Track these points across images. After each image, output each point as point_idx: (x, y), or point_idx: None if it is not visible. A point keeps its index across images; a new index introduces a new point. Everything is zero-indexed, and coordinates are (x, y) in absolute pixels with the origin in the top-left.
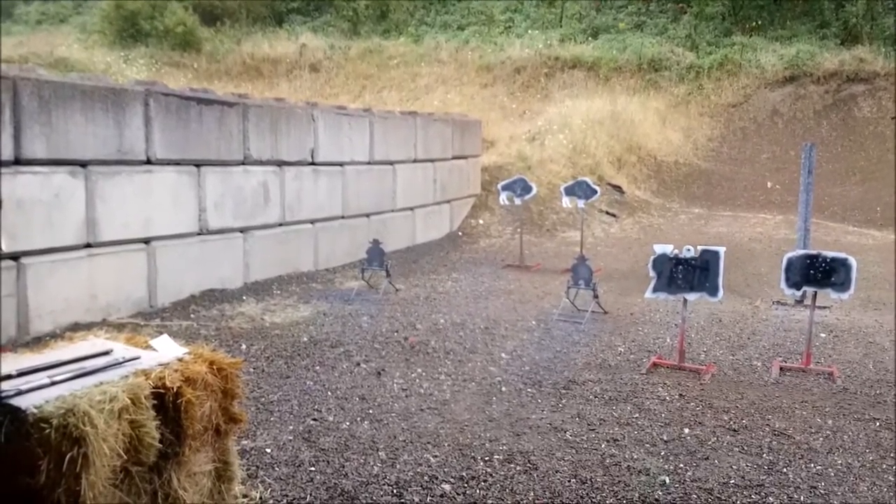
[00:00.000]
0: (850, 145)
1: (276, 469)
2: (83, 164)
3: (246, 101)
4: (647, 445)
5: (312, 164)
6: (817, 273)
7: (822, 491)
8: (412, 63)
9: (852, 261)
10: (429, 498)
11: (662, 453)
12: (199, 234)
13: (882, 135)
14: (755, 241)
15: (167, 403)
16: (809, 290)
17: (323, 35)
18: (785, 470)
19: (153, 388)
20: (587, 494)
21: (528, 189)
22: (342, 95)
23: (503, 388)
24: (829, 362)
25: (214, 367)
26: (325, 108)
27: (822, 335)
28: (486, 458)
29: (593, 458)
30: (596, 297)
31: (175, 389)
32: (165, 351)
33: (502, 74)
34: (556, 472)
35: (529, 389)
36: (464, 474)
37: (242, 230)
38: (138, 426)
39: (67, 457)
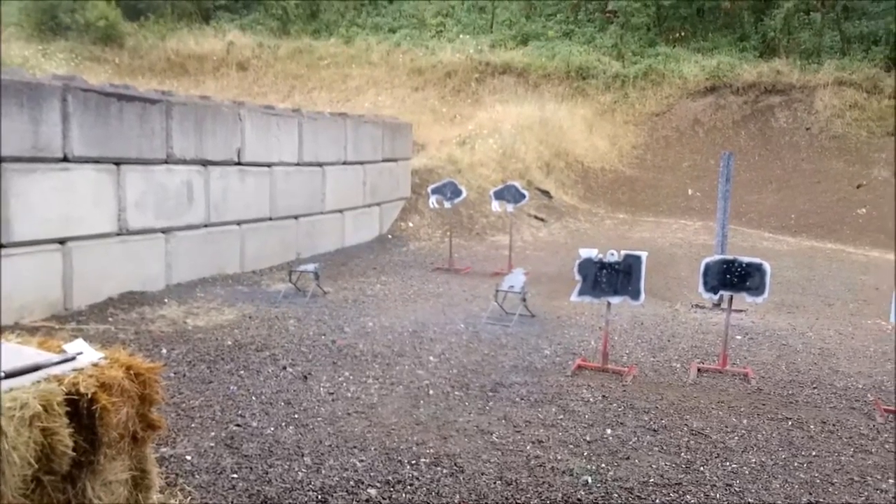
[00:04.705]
0: (767, 154)
1: (197, 476)
2: None
3: (170, 98)
4: (571, 446)
5: (239, 164)
6: (733, 277)
7: (737, 489)
8: (343, 64)
9: (767, 266)
10: (354, 503)
11: (585, 454)
12: (118, 234)
13: (797, 145)
14: (676, 246)
15: (81, 410)
16: (726, 293)
17: (251, 33)
18: (702, 468)
19: (66, 394)
20: (512, 496)
21: (457, 193)
22: (271, 95)
23: (431, 392)
24: (745, 364)
25: (132, 371)
26: (252, 107)
27: (738, 338)
28: (413, 462)
29: (518, 460)
30: (524, 300)
31: (89, 395)
32: (80, 355)
33: (433, 78)
34: (482, 474)
35: (457, 392)
36: (390, 478)
37: (165, 230)
38: (51, 434)
39: None
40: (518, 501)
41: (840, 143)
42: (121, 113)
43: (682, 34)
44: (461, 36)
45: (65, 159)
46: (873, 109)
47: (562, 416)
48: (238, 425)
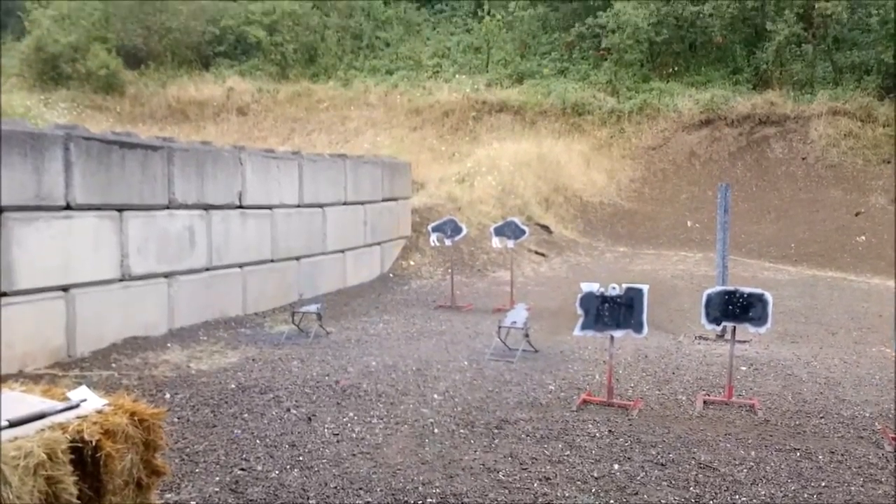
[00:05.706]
0: (764, 185)
1: None
2: None
3: (171, 144)
4: (579, 482)
5: (240, 207)
6: (735, 308)
7: None
8: (341, 106)
9: (768, 296)
10: None
11: (593, 490)
12: (121, 279)
13: (793, 174)
14: (677, 278)
15: (86, 458)
16: (729, 324)
17: (251, 78)
18: (711, 502)
19: (71, 441)
20: None
21: (458, 230)
22: (271, 138)
23: (436, 430)
24: (751, 395)
25: (136, 417)
26: (252, 150)
27: (743, 368)
28: (419, 502)
29: (526, 498)
30: (527, 335)
31: (94, 443)
32: (84, 402)
33: (431, 117)
34: None
35: (462, 430)
36: None
37: (167, 275)
38: (55, 482)
39: None
40: None
41: (836, 171)
42: (123, 160)
43: (676, 69)
44: (457, 76)
45: (67, 207)
46: (868, 138)
47: (568, 452)
48: (243, 469)
